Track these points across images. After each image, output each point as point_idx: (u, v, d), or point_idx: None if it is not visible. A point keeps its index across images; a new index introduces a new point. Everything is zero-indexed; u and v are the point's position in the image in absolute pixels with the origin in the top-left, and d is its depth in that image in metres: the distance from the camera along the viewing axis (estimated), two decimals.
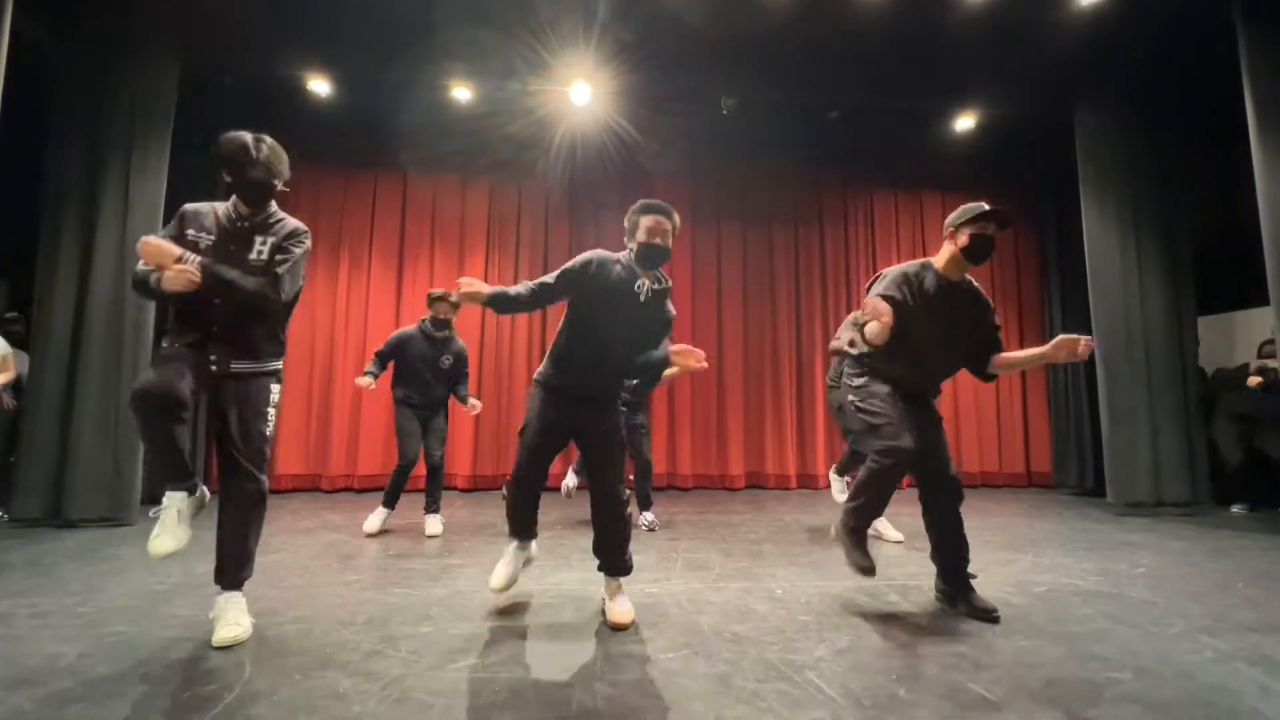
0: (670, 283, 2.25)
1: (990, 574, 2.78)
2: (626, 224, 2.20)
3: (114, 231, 3.90)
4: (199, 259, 1.86)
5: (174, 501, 1.92)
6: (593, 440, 2.20)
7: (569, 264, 2.14)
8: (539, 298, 2.11)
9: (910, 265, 2.34)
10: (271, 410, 2.05)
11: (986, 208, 2.23)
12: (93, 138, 3.94)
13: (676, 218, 2.19)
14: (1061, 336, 2.13)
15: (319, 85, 4.77)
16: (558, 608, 2.28)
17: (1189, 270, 4.77)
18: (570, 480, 4.04)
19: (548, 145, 5.60)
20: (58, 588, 2.46)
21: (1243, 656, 1.86)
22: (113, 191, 3.93)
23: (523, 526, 2.31)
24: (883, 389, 2.28)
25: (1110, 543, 3.51)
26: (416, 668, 1.72)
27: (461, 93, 4.90)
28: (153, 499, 3.37)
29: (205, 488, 2.05)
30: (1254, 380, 4.40)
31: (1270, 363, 4.20)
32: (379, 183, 5.72)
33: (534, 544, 2.41)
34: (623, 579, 2.25)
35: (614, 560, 2.21)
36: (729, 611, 2.25)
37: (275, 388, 2.07)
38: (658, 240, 2.12)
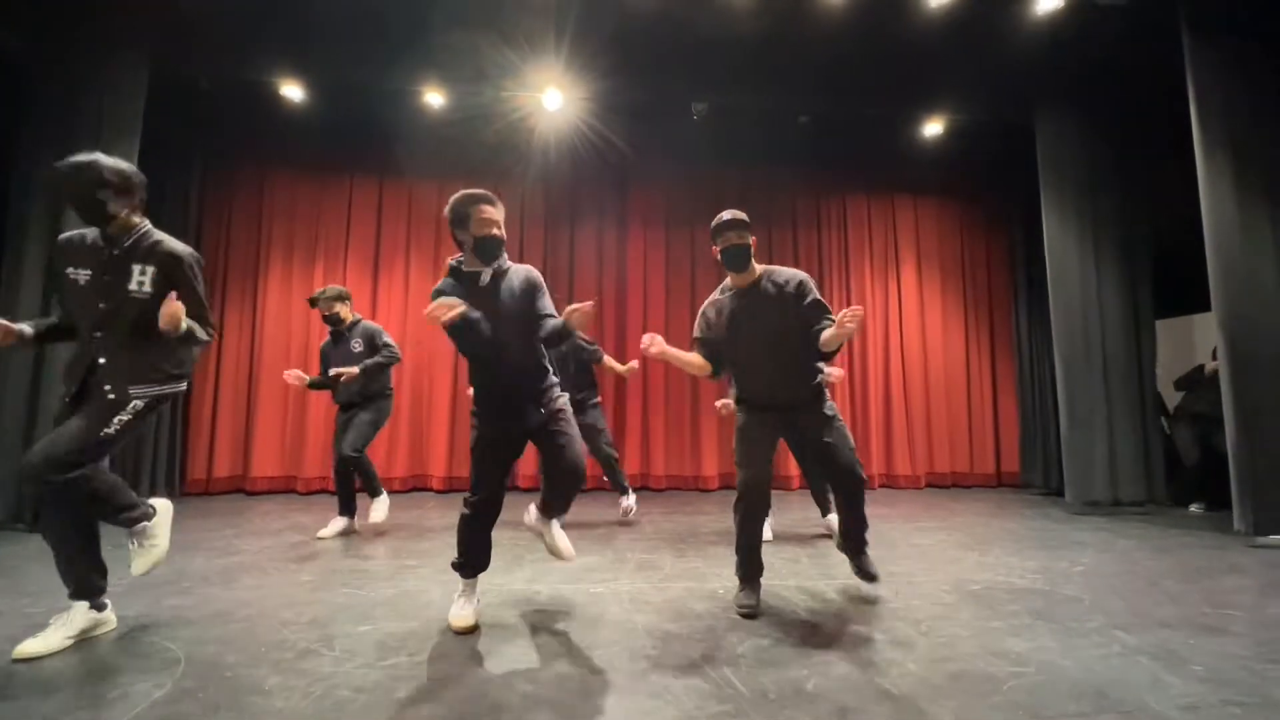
0: (509, 265, 2.17)
1: (933, 572, 2.85)
2: (451, 214, 2.09)
3: None
4: None
5: (75, 612, 1.93)
6: (543, 435, 2.15)
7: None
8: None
9: (711, 296, 2.52)
10: (122, 417, 1.92)
11: (726, 218, 2.35)
12: (61, 143, 3.96)
13: (500, 203, 2.14)
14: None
15: (293, 90, 4.83)
16: (500, 607, 2.34)
17: (1148, 274, 4.87)
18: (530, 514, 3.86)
19: (523, 150, 5.67)
20: (14, 589, 2.51)
21: (1147, 650, 1.93)
22: None
23: (480, 558, 2.21)
24: (744, 419, 2.43)
25: (1060, 541, 3.59)
26: (346, 666, 1.78)
27: (435, 98, 4.96)
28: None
29: (113, 614, 2.04)
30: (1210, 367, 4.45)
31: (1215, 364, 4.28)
32: (355, 187, 5.78)
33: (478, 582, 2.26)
34: (559, 519, 2.30)
35: (556, 509, 2.25)
36: (665, 611, 2.31)
37: (139, 402, 1.98)
38: (494, 231, 2.08)
